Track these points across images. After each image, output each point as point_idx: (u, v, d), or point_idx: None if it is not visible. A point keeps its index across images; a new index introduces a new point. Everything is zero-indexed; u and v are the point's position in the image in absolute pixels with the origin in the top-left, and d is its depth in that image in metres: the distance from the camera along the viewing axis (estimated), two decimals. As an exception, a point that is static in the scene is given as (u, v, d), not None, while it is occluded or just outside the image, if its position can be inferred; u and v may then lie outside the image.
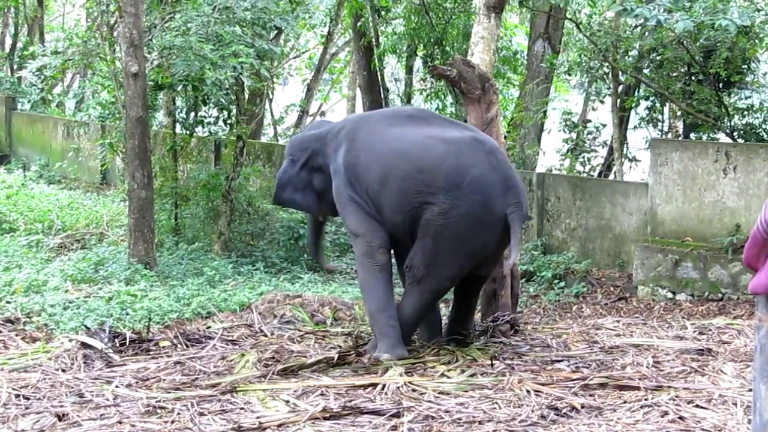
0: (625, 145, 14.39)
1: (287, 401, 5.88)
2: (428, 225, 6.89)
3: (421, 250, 7.00)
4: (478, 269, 7.27)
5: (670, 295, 10.71)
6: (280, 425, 5.35)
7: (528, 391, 5.95)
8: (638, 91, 14.35)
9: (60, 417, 5.56)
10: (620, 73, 13.60)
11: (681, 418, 5.33)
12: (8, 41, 24.66)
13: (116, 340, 7.47)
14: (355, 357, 6.96)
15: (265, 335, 8.03)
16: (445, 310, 9.35)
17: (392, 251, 7.47)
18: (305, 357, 7.13)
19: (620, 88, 14.06)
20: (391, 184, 7.01)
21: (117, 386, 6.29)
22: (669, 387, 6.00)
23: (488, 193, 6.86)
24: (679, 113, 14.07)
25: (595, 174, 14.80)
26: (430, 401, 5.83)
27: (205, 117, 13.35)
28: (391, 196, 7.04)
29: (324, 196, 7.77)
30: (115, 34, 13.03)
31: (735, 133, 12.56)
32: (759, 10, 11.63)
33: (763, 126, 12.82)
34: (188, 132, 13.28)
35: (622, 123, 14.05)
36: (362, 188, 7.23)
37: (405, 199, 6.95)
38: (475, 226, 6.85)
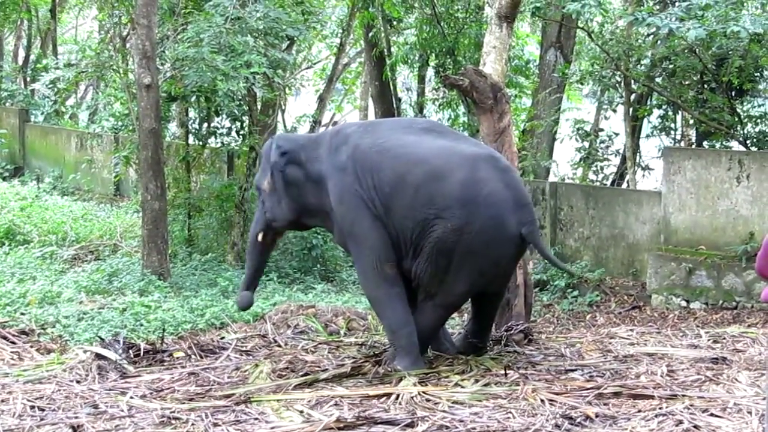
0: (637, 154, 14.38)
1: (301, 411, 5.87)
2: (440, 242, 6.71)
3: (432, 266, 6.81)
4: (489, 286, 7.12)
5: (684, 303, 10.70)
6: (294, 435, 5.35)
7: (542, 401, 5.93)
8: (651, 100, 14.36)
9: (75, 428, 5.57)
10: (632, 81, 13.60)
11: (695, 427, 5.32)
12: (21, 54, 24.75)
13: (130, 351, 7.47)
14: (371, 367, 6.93)
15: (279, 345, 8.02)
16: (458, 320, 9.38)
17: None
18: (319, 367, 7.12)
19: (632, 96, 14.06)
20: (405, 190, 6.81)
21: (131, 397, 6.30)
22: (683, 396, 5.98)
23: (502, 211, 6.74)
24: (691, 122, 14.07)
25: (608, 183, 14.80)
26: (444, 411, 5.82)
27: (217, 128, 13.40)
28: (403, 201, 6.83)
29: (293, 191, 7.33)
30: (127, 45, 13.12)
31: (748, 141, 12.56)
32: (771, 18, 11.61)
33: (776, 134, 12.81)
34: (201, 143, 13.33)
35: (634, 132, 14.06)
36: (370, 186, 6.94)
37: (418, 208, 6.76)
38: (488, 243, 6.72)
